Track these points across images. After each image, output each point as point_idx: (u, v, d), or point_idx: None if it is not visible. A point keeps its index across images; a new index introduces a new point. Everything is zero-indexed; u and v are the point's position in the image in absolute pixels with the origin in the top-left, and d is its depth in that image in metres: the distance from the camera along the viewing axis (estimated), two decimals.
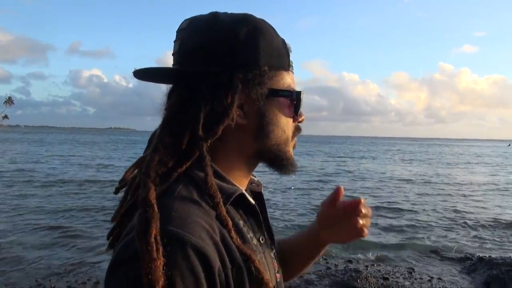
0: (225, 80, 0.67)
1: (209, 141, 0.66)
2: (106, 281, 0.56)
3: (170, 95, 0.72)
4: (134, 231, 0.55)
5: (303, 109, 0.77)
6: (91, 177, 15.63)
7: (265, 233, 0.78)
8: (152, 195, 0.57)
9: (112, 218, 0.70)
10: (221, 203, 0.62)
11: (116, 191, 0.73)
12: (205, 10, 0.76)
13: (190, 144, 0.65)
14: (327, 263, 5.89)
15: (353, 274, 5.28)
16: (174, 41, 0.73)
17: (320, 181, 16.79)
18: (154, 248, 0.53)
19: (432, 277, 5.49)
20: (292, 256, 0.96)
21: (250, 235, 0.70)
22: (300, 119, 0.77)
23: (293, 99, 0.74)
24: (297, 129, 0.79)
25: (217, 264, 0.57)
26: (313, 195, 12.69)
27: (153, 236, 0.53)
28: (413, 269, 5.78)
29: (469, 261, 6.20)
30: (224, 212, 0.62)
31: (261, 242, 0.74)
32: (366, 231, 0.84)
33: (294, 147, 0.79)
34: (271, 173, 0.81)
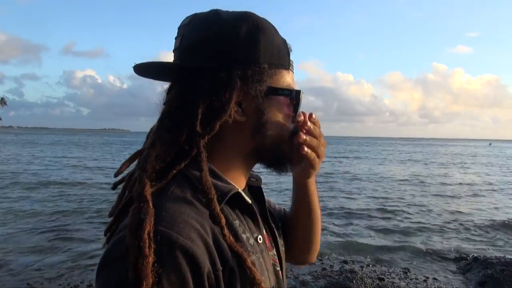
0: (223, 76, 0.67)
1: (206, 137, 0.65)
2: (96, 277, 0.56)
3: (170, 90, 0.72)
4: (127, 227, 0.54)
5: (301, 109, 0.76)
6: (85, 179, 15.51)
7: (264, 230, 0.76)
8: (148, 190, 0.57)
9: (109, 213, 0.70)
10: (215, 200, 0.61)
11: (114, 187, 0.73)
12: (201, 10, 0.75)
13: (187, 141, 0.65)
14: (322, 264, 5.88)
15: (349, 275, 5.28)
16: (176, 37, 0.73)
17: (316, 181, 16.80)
18: (147, 244, 0.51)
19: (428, 277, 5.51)
20: (296, 214, 0.93)
21: (246, 235, 0.69)
22: (299, 119, 0.75)
23: (292, 99, 0.73)
24: (295, 131, 0.75)
25: (206, 266, 0.56)
26: None
27: (146, 232, 0.52)
28: (408, 270, 5.79)
29: (464, 261, 6.24)
30: (218, 210, 0.61)
31: (259, 242, 0.72)
32: (306, 149, 0.74)
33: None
34: (269, 173, 0.79)
